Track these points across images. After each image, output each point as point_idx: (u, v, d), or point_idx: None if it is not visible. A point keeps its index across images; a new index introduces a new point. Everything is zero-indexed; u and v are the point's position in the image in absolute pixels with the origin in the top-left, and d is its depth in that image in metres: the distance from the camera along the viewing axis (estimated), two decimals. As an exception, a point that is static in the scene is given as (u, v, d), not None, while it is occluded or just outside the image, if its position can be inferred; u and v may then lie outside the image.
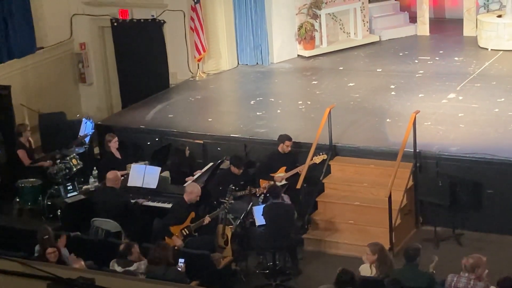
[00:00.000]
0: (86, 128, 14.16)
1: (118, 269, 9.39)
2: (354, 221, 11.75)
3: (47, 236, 9.85)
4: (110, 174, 11.73)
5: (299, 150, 12.52)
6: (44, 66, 16.44)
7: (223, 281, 10.21)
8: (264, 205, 11.12)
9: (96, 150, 14.48)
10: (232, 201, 11.06)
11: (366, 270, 9.25)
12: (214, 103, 15.49)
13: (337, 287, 8.22)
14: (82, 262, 9.24)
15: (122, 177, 12.38)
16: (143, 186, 12.11)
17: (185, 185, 11.81)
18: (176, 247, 10.57)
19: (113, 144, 13.02)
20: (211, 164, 12.70)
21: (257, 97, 15.10)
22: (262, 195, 11.81)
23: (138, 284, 3.39)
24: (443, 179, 11.43)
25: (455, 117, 13.15)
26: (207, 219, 10.94)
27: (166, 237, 10.78)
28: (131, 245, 9.62)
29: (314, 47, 17.31)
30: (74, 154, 13.17)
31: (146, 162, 12.86)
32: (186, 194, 11.05)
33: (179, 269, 9.44)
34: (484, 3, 17.82)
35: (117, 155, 13.07)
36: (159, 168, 12.31)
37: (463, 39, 17.62)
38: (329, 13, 17.42)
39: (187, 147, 12.87)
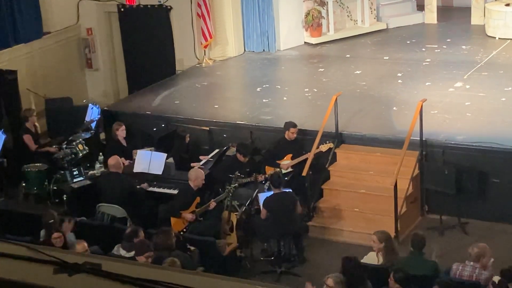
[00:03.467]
0: (92, 114, 14.16)
1: (123, 253, 9.42)
2: (360, 209, 11.75)
3: (52, 221, 9.88)
4: (112, 160, 11.74)
5: (305, 138, 12.51)
6: (50, 51, 16.44)
7: (228, 268, 10.22)
8: (267, 194, 11.08)
9: (102, 135, 14.49)
10: (236, 184, 11.07)
11: (373, 258, 9.26)
12: (220, 89, 15.48)
13: (343, 275, 8.22)
14: (85, 244, 9.26)
15: (128, 163, 12.41)
16: (149, 172, 12.13)
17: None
18: (183, 231, 10.62)
19: (121, 133, 13.02)
20: (217, 150, 12.71)
21: (263, 84, 15.08)
22: (268, 181, 11.80)
23: (145, 270, 3.39)
24: (449, 168, 11.41)
25: (462, 106, 13.11)
26: (212, 204, 10.96)
27: (172, 218, 10.79)
28: (138, 229, 9.65)
29: (321, 34, 17.28)
30: (80, 139, 13.18)
31: (152, 148, 12.87)
32: (191, 181, 11.05)
33: (189, 253, 9.46)
34: (492, -9, 17.76)
35: (124, 143, 13.08)
36: (165, 154, 12.32)
37: (470, 28, 17.56)
38: (336, 0, 17.37)
39: (188, 134, 12.86)
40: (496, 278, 8.38)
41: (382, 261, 9.16)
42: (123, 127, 13.06)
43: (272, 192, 10.95)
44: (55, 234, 9.60)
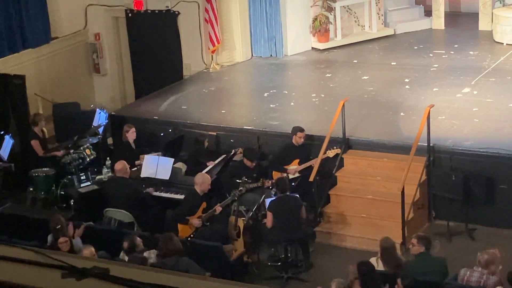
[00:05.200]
0: (100, 119, 14.19)
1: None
2: (367, 215, 11.74)
3: (59, 226, 9.89)
4: (118, 165, 11.75)
5: (313, 143, 12.50)
6: (58, 56, 16.48)
7: (235, 273, 10.22)
8: (271, 199, 11.08)
9: (110, 140, 14.51)
10: (242, 188, 11.07)
11: (373, 264, 9.23)
12: (227, 95, 15.49)
13: (360, 281, 8.19)
14: (92, 249, 9.26)
15: (136, 168, 12.43)
16: (156, 177, 12.14)
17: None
18: (191, 236, 10.61)
19: (131, 135, 13.03)
20: (223, 156, 12.71)
21: (270, 89, 15.09)
22: (274, 187, 11.79)
23: (153, 275, 3.39)
24: (456, 174, 11.39)
25: (469, 112, 13.10)
26: (218, 209, 10.95)
27: (180, 225, 10.79)
28: (132, 237, 9.59)
29: (328, 40, 17.28)
30: (88, 144, 13.20)
31: (159, 153, 12.88)
32: (198, 185, 11.06)
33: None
34: (500, -3, 17.74)
35: (133, 146, 13.09)
36: (172, 159, 12.33)
37: (478, 33, 17.53)
38: (344, 6, 17.38)
39: (207, 139, 12.89)
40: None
41: (382, 267, 9.15)
42: (133, 129, 13.06)
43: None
44: (62, 239, 9.62)
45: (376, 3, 17.64)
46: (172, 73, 16.39)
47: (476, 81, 14.45)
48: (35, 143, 13.43)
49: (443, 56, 16.23)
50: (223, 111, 14.26)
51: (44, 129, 13.91)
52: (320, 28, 17.05)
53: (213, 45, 16.26)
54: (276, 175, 11.99)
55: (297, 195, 11.15)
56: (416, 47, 16.90)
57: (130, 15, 16.73)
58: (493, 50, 16.32)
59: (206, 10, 16.11)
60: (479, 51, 16.32)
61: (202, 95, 15.25)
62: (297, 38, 17.15)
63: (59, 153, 13.34)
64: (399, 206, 11.16)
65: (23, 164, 13.29)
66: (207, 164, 12.42)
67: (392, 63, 15.99)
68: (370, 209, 11.77)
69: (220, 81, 15.92)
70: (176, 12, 16.37)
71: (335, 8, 17.16)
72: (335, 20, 17.25)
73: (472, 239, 11.38)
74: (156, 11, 16.52)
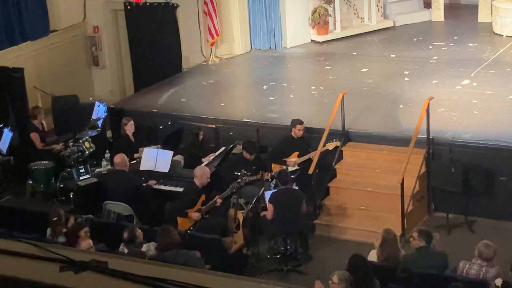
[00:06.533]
0: (99, 111, 14.17)
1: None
2: (366, 207, 11.73)
3: (56, 218, 9.87)
4: (117, 158, 11.75)
5: (312, 136, 12.49)
6: (57, 49, 16.45)
7: (234, 266, 10.21)
8: (272, 191, 11.09)
9: (109, 133, 14.51)
10: (241, 180, 11.06)
11: (374, 256, 9.24)
12: (226, 87, 15.47)
13: (350, 272, 8.18)
14: (90, 241, 9.25)
15: (135, 161, 12.42)
16: (156, 170, 12.13)
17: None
18: (190, 229, 10.61)
19: (129, 128, 13.01)
20: (223, 148, 12.70)
21: (269, 82, 15.07)
22: (274, 180, 11.79)
23: (152, 268, 3.39)
24: (456, 166, 11.38)
25: (469, 104, 13.08)
26: (218, 201, 10.94)
27: (179, 217, 10.79)
28: (133, 229, 9.58)
29: (327, 32, 17.25)
30: (87, 137, 13.18)
31: (159, 146, 12.88)
32: (197, 178, 11.05)
33: None
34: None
35: (132, 138, 13.07)
36: (171, 152, 12.33)
37: (477, 25, 17.51)
38: (343, -2, 17.37)
39: (202, 131, 12.88)
40: (499, 281, 8.34)
41: (379, 258, 9.14)
42: (132, 122, 13.04)
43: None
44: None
45: (375, -5, 17.61)
46: (171, 65, 16.36)
47: (476, 73, 14.44)
48: (34, 136, 13.43)
49: (443, 48, 16.21)
50: (222, 104, 14.24)
51: (43, 122, 13.90)
52: (319, 20, 17.02)
53: (212, 37, 16.24)
54: (275, 167, 11.99)
55: (298, 189, 11.15)
56: (415, 39, 16.87)
57: (129, 7, 16.68)
58: (492, 42, 16.31)
59: (205, 3, 16.07)
60: (478, 43, 16.30)
61: (201, 87, 15.23)
62: (296, 31, 17.12)
63: (58, 147, 13.33)
64: (398, 198, 11.16)
65: (22, 157, 13.28)
66: (206, 158, 12.40)
67: (392, 56, 15.97)
68: (370, 202, 11.77)
69: (219, 74, 15.90)
70: (175, 5, 16.33)
71: (334, 0, 17.13)
72: (334, 13, 17.22)
73: (472, 231, 11.39)
74: (155, 4, 16.48)
